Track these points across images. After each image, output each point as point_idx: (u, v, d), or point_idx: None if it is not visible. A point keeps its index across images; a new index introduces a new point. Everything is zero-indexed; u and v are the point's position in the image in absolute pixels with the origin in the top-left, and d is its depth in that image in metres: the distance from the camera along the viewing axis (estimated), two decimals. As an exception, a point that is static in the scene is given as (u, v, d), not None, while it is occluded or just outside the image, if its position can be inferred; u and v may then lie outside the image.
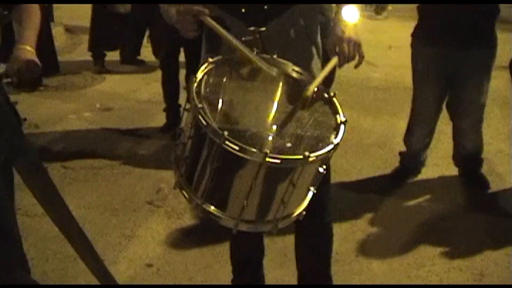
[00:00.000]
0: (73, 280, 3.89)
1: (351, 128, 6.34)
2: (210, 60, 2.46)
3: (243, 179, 2.22)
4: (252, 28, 2.65)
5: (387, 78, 8.28)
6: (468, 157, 5.22)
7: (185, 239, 4.38)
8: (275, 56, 2.61)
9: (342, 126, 2.41)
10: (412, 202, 4.97)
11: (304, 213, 2.49)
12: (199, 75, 2.37)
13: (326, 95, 2.55)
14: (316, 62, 2.94)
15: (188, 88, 2.35)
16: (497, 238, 4.46)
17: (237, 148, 2.11)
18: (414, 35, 4.94)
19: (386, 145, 6.04)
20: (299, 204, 2.48)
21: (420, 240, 4.42)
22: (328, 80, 5.67)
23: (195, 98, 2.22)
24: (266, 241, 4.09)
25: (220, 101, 2.33)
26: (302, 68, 2.64)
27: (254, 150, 2.11)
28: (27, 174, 2.54)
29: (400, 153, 5.41)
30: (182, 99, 6.36)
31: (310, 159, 2.17)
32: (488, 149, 5.60)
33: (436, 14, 4.69)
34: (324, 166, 2.38)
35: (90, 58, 8.65)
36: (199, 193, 2.31)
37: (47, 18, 8.00)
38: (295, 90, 2.52)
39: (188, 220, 4.58)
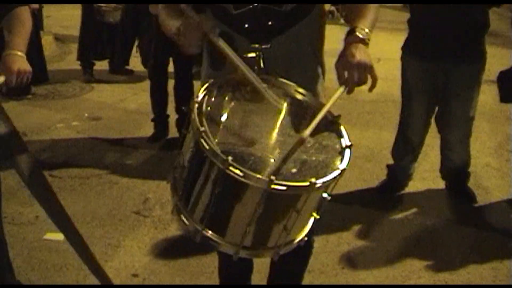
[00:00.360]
0: (59, 290, 3.89)
1: (339, 141, 6.36)
2: (212, 80, 2.36)
3: (246, 205, 2.12)
4: (255, 45, 2.53)
5: (375, 90, 8.09)
6: (455, 170, 5.23)
7: (172, 249, 4.37)
8: (279, 78, 2.49)
9: (347, 151, 2.29)
10: (399, 215, 4.98)
11: (306, 238, 2.41)
12: (200, 95, 2.26)
13: (330, 117, 2.40)
14: (321, 82, 2.82)
15: (188, 109, 2.22)
16: (483, 252, 4.47)
17: (241, 174, 2.02)
18: (404, 48, 4.96)
19: (374, 158, 6.05)
20: (301, 230, 2.39)
21: (407, 253, 4.42)
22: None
23: (197, 120, 2.12)
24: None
25: (222, 123, 2.24)
26: (306, 89, 2.51)
27: (259, 176, 2.03)
28: (29, 172, 2.52)
29: (388, 166, 5.41)
30: (170, 109, 6.36)
31: (317, 185, 2.08)
32: (475, 163, 5.62)
33: (426, 28, 4.71)
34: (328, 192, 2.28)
35: (79, 67, 8.65)
36: (199, 218, 2.21)
37: (36, 27, 8.01)
38: (298, 113, 2.42)
39: (174, 230, 4.57)
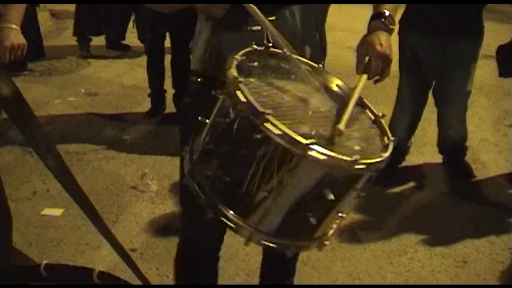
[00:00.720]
0: (56, 265, 3.88)
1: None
2: (255, 47, 2.11)
3: (283, 183, 1.75)
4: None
5: (372, 66, 8.26)
6: (453, 145, 5.24)
7: (169, 224, 4.37)
8: (285, 50, 2.19)
9: (391, 144, 1.97)
10: (396, 190, 5.00)
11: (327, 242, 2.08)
12: (239, 56, 2.00)
13: (372, 116, 2.20)
14: (324, 62, 2.68)
15: (227, 70, 1.90)
16: (479, 226, 4.50)
17: (325, 157, 1.67)
18: (401, 22, 4.93)
19: (371, 133, 6.03)
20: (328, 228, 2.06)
21: (403, 227, 4.45)
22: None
23: (236, 71, 1.85)
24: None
25: (266, 93, 1.93)
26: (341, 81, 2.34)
27: (346, 158, 1.68)
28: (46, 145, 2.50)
29: (385, 141, 5.40)
30: (167, 84, 6.34)
31: (382, 163, 1.83)
32: (472, 138, 5.63)
33: (424, 2, 4.69)
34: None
35: (75, 43, 8.60)
36: (217, 192, 1.86)
37: (32, 3, 7.96)
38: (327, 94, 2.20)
39: (172, 205, 4.58)
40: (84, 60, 8.38)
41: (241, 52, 2.02)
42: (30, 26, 7.55)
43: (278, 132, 1.65)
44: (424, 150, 5.66)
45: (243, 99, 1.73)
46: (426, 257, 4.12)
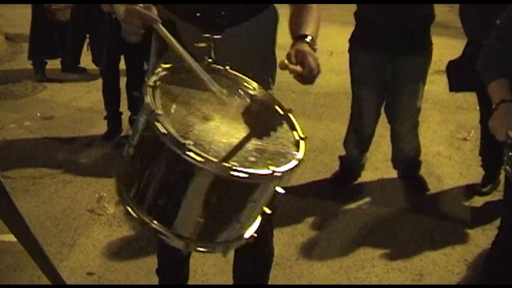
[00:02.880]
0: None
1: (292, 133, 6.38)
2: (164, 65, 2.24)
3: (201, 195, 1.96)
4: (207, 35, 2.41)
5: (328, 84, 8.31)
6: (406, 160, 5.30)
7: (127, 246, 4.36)
8: (227, 68, 2.39)
9: (302, 142, 2.18)
10: (352, 206, 5.04)
11: (256, 235, 2.25)
12: (152, 79, 2.13)
13: (281, 112, 2.34)
14: (272, 78, 2.84)
15: (141, 94, 2.08)
16: (435, 239, 4.56)
17: (201, 159, 1.86)
18: (351, 41, 5.00)
19: (327, 150, 6.10)
20: (251, 225, 2.24)
21: (360, 243, 4.48)
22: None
23: (152, 103, 1.99)
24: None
25: (173, 109, 2.09)
26: (256, 83, 2.43)
27: (215, 160, 1.88)
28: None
29: (340, 157, 5.46)
30: (123, 106, 6.33)
31: (276, 174, 1.96)
32: (426, 152, 5.71)
33: (372, 20, 4.76)
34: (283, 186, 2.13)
35: (31, 67, 8.56)
36: (146, 209, 2.06)
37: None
38: (247, 104, 2.32)
39: (129, 227, 4.56)
40: (39, 84, 8.32)
41: (154, 75, 2.16)
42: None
43: (164, 131, 1.88)
44: (379, 165, 5.72)
45: (162, 130, 1.90)
46: (383, 271, 4.16)
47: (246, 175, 1.90)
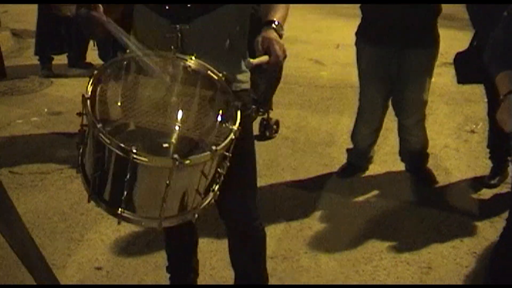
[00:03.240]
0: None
1: (299, 127, 6.40)
2: (97, 68, 2.50)
3: (158, 184, 2.30)
4: (174, 26, 2.66)
5: (334, 76, 8.32)
6: (414, 153, 5.29)
7: (134, 241, 4.37)
8: (194, 58, 2.58)
9: (238, 112, 2.46)
10: (359, 198, 5.03)
11: (218, 193, 2.57)
12: (89, 88, 2.38)
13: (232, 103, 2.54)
14: (240, 68, 2.91)
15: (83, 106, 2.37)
16: (443, 232, 4.54)
17: (147, 159, 2.21)
18: (357, 34, 4.99)
19: (334, 143, 6.09)
20: (210, 189, 2.56)
21: (368, 236, 4.48)
22: (274, 80, 5.72)
23: (93, 118, 2.27)
24: (216, 242, 4.15)
25: (118, 103, 2.42)
26: (220, 71, 2.60)
27: (164, 158, 2.26)
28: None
29: (347, 150, 5.46)
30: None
31: (218, 151, 2.31)
32: (434, 144, 5.70)
33: (378, 14, 4.74)
34: (210, 171, 2.45)
35: (37, 62, 8.56)
36: (113, 203, 2.39)
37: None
38: (193, 82, 2.57)
39: (137, 222, 4.57)
40: (46, 79, 8.33)
41: (89, 85, 2.40)
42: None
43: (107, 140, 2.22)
44: (387, 158, 5.71)
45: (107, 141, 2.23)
46: (391, 264, 4.15)
47: (188, 161, 2.25)
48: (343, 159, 5.50)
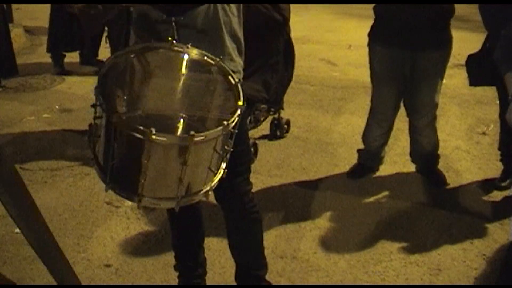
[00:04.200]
0: (31, 282, 3.87)
1: (311, 127, 6.40)
2: (111, 56, 2.58)
3: (175, 163, 2.41)
4: (171, 18, 2.80)
5: (346, 77, 8.32)
6: (425, 154, 5.27)
7: (144, 239, 4.38)
8: (190, 46, 2.71)
9: (240, 89, 2.60)
10: (370, 199, 5.02)
11: (210, 192, 2.66)
12: (100, 78, 2.47)
13: (232, 81, 2.66)
14: (232, 59, 3.05)
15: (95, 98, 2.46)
16: (453, 234, 4.53)
17: (165, 139, 2.30)
18: (370, 35, 4.98)
19: (345, 143, 6.08)
20: (202, 183, 2.62)
21: (378, 236, 4.47)
22: (286, 79, 5.71)
23: (107, 104, 2.38)
24: (225, 241, 4.14)
25: (128, 90, 2.53)
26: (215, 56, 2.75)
27: (182, 136, 2.37)
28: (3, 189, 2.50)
29: (358, 151, 5.45)
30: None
31: (230, 124, 2.43)
32: (445, 146, 5.69)
33: (391, 15, 4.72)
34: (222, 148, 2.56)
35: (49, 60, 8.59)
36: (133, 187, 2.46)
37: (5, 20, 7.93)
38: (201, 72, 2.70)
39: (147, 220, 4.58)
40: (58, 76, 8.36)
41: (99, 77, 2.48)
42: (3, 43, 7.55)
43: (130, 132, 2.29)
44: (397, 159, 5.70)
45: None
46: (401, 265, 4.14)
47: (165, 139, 2.31)
48: (353, 159, 5.49)
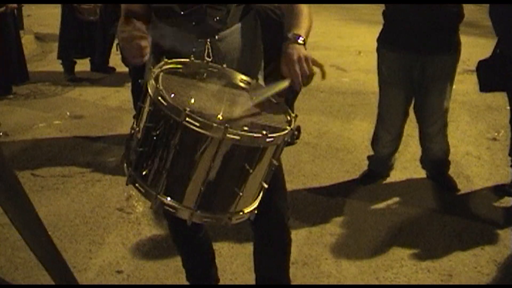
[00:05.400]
0: (42, 288, 3.89)
1: (321, 133, 6.41)
2: (167, 60, 2.48)
3: (201, 161, 2.20)
4: (202, 40, 2.73)
5: (356, 83, 8.33)
6: (435, 160, 5.27)
7: (155, 245, 4.38)
8: (224, 66, 2.66)
9: (293, 119, 2.45)
10: (380, 205, 5.02)
11: (256, 212, 2.49)
12: (156, 69, 2.38)
13: (274, 101, 2.58)
14: (261, 72, 3.04)
15: (145, 80, 2.37)
16: (464, 240, 4.52)
17: (198, 124, 2.11)
18: (379, 40, 4.99)
19: (355, 149, 6.09)
20: (253, 199, 2.48)
21: (389, 242, 4.46)
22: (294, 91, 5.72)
23: (154, 82, 2.22)
24: (236, 247, 4.16)
25: (173, 93, 2.31)
26: (250, 78, 2.69)
27: (215, 124, 2.11)
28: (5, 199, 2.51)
29: (369, 157, 5.45)
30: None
31: (268, 139, 2.21)
32: (455, 152, 5.68)
33: (400, 20, 4.73)
34: (276, 160, 2.41)
35: (60, 66, 8.63)
36: (153, 182, 2.29)
37: (16, 26, 7.97)
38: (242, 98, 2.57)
39: (158, 226, 4.58)
40: (69, 83, 8.40)
41: (157, 67, 2.41)
42: (14, 50, 7.59)
43: (197, 124, 2.11)
44: (408, 165, 5.69)
45: (165, 103, 2.15)
46: (412, 271, 4.14)
47: (238, 137, 2.14)
48: (364, 165, 5.49)
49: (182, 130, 2.14)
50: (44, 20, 11.52)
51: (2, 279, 2.97)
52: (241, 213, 2.41)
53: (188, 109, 2.10)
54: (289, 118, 2.47)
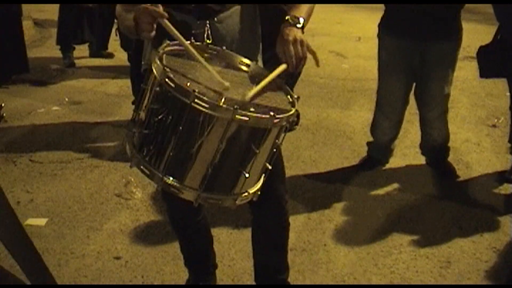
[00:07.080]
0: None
1: (320, 119, 6.39)
2: (169, 42, 2.48)
3: (209, 143, 2.20)
4: (202, 21, 2.75)
5: (356, 69, 8.32)
6: (435, 146, 5.25)
7: (154, 231, 4.37)
8: (224, 48, 2.68)
9: (296, 101, 2.50)
10: (380, 192, 5.01)
11: (259, 193, 2.53)
12: (161, 50, 2.39)
13: (278, 83, 2.61)
14: (260, 55, 3.05)
15: (150, 62, 2.38)
16: (463, 226, 4.51)
17: (207, 105, 2.11)
18: (380, 26, 4.97)
19: (355, 136, 6.08)
20: (257, 180, 2.51)
21: (388, 229, 4.46)
22: (294, 76, 5.71)
23: (160, 64, 2.22)
24: (235, 233, 4.14)
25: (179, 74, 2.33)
26: (250, 60, 2.74)
27: (224, 106, 2.11)
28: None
29: (368, 144, 5.44)
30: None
31: (275, 120, 2.23)
32: (455, 138, 5.68)
33: (401, 6, 4.71)
34: (280, 138, 2.45)
35: (59, 52, 8.60)
36: (158, 164, 2.28)
37: (16, 14, 7.86)
38: (244, 81, 2.61)
39: (156, 212, 4.57)
40: (67, 69, 8.38)
41: (160, 48, 2.41)
42: (14, 39, 7.53)
43: (206, 105, 2.12)
44: (407, 152, 5.69)
45: (172, 84, 2.15)
46: (411, 258, 4.13)
47: (247, 118, 2.16)
48: (363, 152, 5.49)
49: (190, 111, 2.13)
50: (43, 6, 11.46)
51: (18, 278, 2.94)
52: (245, 194, 2.44)
53: (197, 90, 2.11)
54: (291, 99, 2.52)
